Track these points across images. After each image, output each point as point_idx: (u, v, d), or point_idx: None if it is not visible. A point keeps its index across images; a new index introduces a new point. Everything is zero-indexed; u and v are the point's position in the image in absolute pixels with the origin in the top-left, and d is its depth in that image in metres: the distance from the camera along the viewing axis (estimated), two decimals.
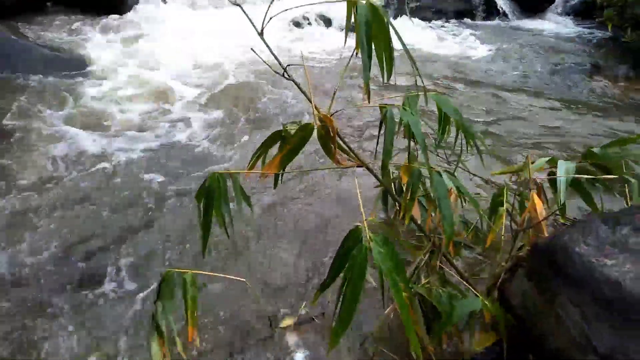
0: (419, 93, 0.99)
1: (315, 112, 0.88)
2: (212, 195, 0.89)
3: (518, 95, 2.86)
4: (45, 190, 1.70)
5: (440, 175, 0.91)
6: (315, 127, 0.87)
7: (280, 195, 1.68)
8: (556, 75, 3.20)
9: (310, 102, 0.90)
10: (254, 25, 0.96)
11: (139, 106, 2.48)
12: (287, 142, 0.91)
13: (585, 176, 1.07)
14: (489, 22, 4.40)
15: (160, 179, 1.80)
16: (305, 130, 0.88)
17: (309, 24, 4.04)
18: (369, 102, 0.87)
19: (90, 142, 2.06)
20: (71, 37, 3.37)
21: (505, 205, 1.13)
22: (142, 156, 1.98)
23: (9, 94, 2.43)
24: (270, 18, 0.91)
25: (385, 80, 0.83)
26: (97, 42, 3.35)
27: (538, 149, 2.14)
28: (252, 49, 0.89)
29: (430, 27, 4.21)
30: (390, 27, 0.83)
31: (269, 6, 0.86)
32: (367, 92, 0.83)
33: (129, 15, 3.89)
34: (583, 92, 2.97)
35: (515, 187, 1.42)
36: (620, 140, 1.16)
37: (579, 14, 4.53)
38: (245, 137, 2.16)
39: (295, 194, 1.72)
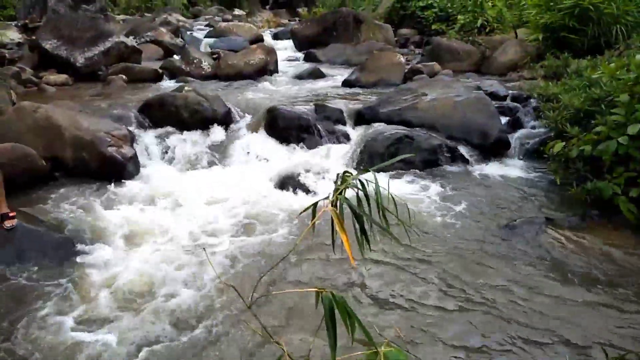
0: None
1: None
2: None
3: (476, 255, 3.21)
4: None
5: None
6: None
7: None
8: (512, 231, 3.59)
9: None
10: (242, 298, 1.25)
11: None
12: None
13: None
14: (453, 169, 4.92)
15: None
16: None
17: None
18: None
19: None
20: (79, 212, 3.73)
21: None
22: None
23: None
24: (257, 297, 1.22)
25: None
26: (103, 215, 3.71)
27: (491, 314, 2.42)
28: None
29: (400, 177, 4.71)
30: None
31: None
32: None
33: (135, 182, 4.33)
34: (537, 249, 3.34)
35: None
36: None
37: (533, 157, 5.10)
38: None
39: None
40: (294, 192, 4.40)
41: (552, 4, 7.31)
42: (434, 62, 8.36)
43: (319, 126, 5.43)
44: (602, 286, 2.89)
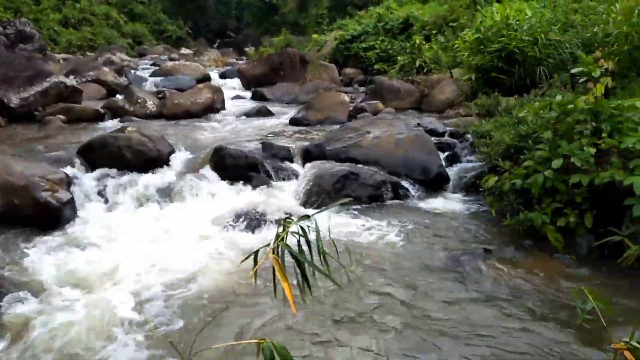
0: None
1: None
2: None
3: (420, 287, 3.29)
4: None
5: None
6: None
7: None
8: (454, 262, 3.73)
9: None
10: (179, 353, 1.23)
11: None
12: None
13: None
14: (396, 204, 5.08)
15: None
16: None
17: None
18: None
19: None
20: (8, 261, 3.50)
21: None
22: None
23: None
24: (196, 352, 1.20)
25: None
26: (35, 264, 3.50)
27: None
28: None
29: (346, 213, 4.79)
30: None
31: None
32: None
33: (72, 227, 4.14)
34: (478, 279, 3.48)
35: None
36: None
37: (471, 191, 5.36)
38: None
39: None
40: (241, 231, 4.36)
41: (481, 47, 7.90)
42: (377, 101, 8.73)
43: (266, 164, 5.47)
44: (535, 309, 3.04)
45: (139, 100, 8.22)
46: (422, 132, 6.06)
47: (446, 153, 6.13)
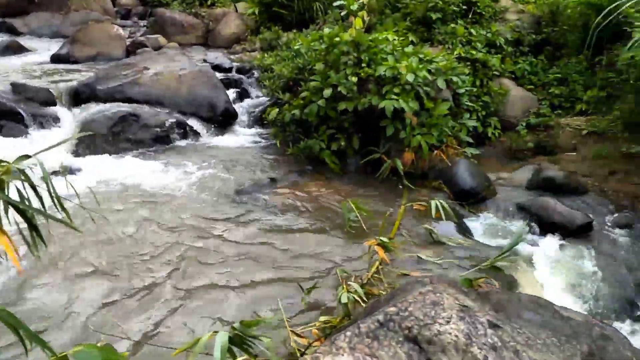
0: None
1: None
2: None
3: (209, 221, 3.30)
4: None
5: None
6: None
7: None
8: (242, 195, 3.82)
9: None
10: None
11: None
12: None
13: None
14: (184, 144, 4.89)
15: None
16: None
17: None
18: None
19: None
20: None
21: None
22: None
23: None
24: None
25: None
26: None
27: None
28: None
29: (130, 157, 4.42)
30: None
31: None
32: None
33: None
34: (265, 206, 3.64)
35: None
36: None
37: (259, 125, 5.49)
38: None
39: None
40: None
41: None
42: (159, 35, 8.04)
43: (20, 109, 4.56)
44: (314, 222, 3.37)
45: None
46: (207, 68, 5.85)
47: (234, 89, 6.09)
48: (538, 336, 1.44)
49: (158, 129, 4.79)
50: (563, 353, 1.38)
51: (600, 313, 2.79)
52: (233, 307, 2.49)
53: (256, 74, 6.40)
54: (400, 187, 4.03)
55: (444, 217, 3.03)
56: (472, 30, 5.63)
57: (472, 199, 3.87)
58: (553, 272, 3.03)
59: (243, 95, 6.11)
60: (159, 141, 4.77)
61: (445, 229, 3.32)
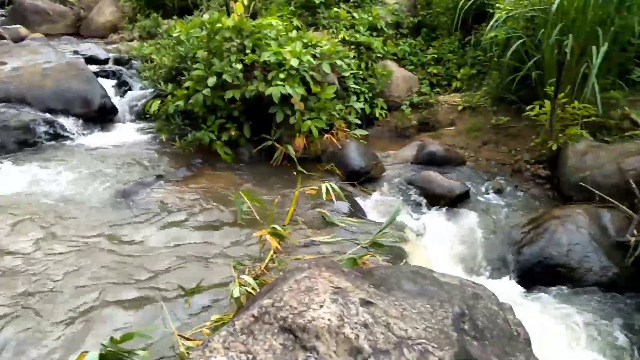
0: None
1: None
2: None
3: (91, 226, 3.01)
4: None
5: None
6: None
7: None
8: (124, 196, 3.53)
9: None
10: None
11: None
12: None
13: None
14: (55, 145, 4.42)
15: None
16: None
17: None
18: None
19: None
20: None
21: None
22: None
23: None
24: None
25: None
26: None
27: None
28: None
29: None
30: None
31: None
32: None
33: None
34: (149, 206, 3.40)
35: None
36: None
37: (142, 119, 5.12)
38: None
39: None
40: None
41: None
42: (19, 25, 7.14)
43: None
44: (205, 218, 3.21)
45: None
46: (77, 60, 5.31)
47: (112, 81, 5.62)
48: (414, 306, 1.49)
49: (21, 131, 4.26)
50: (435, 318, 1.43)
51: (478, 272, 3.04)
52: (119, 322, 2.28)
53: (136, 64, 5.96)
54: (295, 172, 4.02)
55: (334, 199, 3.08)
56: (355, 14, 5.76)
57: (362, 178, 3.98)
58: (438, 241, 3.22)
59: (123, 88, 5.66)
60: (24, 144, 4.24)
61: (339, 210, 3.37)
